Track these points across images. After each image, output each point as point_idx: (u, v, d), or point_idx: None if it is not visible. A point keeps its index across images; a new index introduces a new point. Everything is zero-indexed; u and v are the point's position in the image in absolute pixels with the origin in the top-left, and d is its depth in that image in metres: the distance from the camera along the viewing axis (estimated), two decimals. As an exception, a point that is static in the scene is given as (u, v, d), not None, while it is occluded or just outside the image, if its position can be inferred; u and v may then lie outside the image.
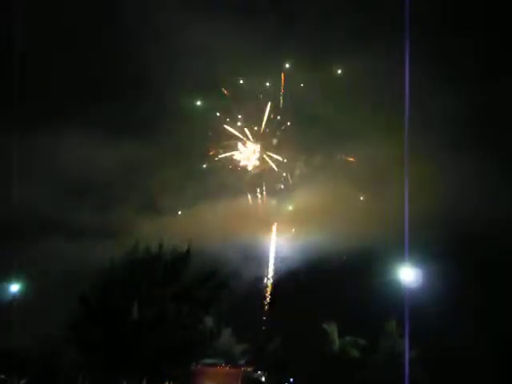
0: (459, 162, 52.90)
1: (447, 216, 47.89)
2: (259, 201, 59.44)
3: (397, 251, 38.82)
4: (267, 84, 59.45)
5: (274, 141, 59.16)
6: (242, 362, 46.20)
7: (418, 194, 45.87)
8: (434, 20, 52.87)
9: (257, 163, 59.59)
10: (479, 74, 55.32)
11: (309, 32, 57.83)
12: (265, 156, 59.17)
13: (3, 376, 38.88)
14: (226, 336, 41.71)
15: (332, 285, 47.14)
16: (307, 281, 50.82)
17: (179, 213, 57.53)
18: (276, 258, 57.77)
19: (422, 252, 39.56)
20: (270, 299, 56.54)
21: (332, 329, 40.26)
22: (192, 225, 52.04)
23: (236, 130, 59.48)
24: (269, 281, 57.45)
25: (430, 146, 52.70)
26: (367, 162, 57.09)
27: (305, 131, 57.97)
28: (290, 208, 59.49)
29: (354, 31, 55.22)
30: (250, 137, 59.40)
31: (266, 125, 58.76)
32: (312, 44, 57.70)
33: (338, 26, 55.40)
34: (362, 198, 57.68)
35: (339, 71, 58.61)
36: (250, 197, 59.30)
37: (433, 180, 51.77)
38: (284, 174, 59.76)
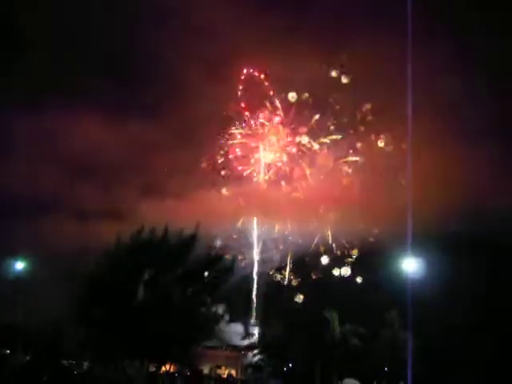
0: (473, 151, 52.46)
1: (454, 206, 47.69)
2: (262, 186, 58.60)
3: (400, 242, 38.94)
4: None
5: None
6: (242, 345, 46.48)
7: (428, 184, 45.79)
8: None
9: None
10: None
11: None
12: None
13: (7, 351, 39.22)
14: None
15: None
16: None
17: (185, 196, 57.11)
18: (280, 244, 57.56)
19: (426, 242, 39.64)
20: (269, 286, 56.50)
21: (333, 316, 40.39)
22: (198, 209, 52.02)
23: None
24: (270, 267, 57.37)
25: (445, 134, 52.24)
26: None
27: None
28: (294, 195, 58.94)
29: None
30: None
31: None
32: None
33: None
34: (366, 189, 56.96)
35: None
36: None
37: (444, 170, 51.42)
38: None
